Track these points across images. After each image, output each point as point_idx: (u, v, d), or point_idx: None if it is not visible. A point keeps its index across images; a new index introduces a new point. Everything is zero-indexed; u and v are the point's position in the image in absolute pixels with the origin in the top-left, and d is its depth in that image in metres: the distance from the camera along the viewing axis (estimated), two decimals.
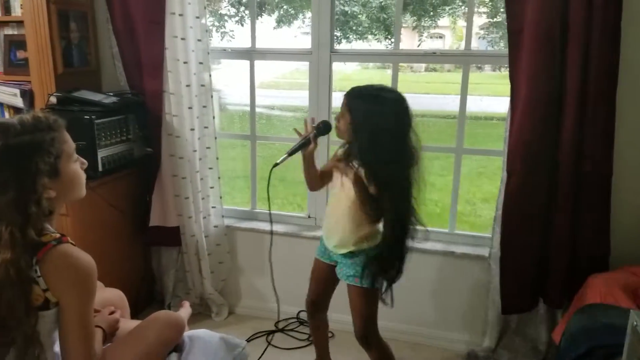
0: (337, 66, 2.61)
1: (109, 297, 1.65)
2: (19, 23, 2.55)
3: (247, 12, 6.45)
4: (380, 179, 1.74)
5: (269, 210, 2.08)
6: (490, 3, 7.32)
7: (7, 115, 2.67)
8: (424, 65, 9.55)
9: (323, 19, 2.48)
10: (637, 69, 2.08)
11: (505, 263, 2.27)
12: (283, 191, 5.70)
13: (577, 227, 2.17)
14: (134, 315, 1.77)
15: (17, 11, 2.54)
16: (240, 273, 2.85)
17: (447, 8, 8.21)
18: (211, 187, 2.69)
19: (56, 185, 1.23)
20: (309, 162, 1.99)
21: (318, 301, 2.14)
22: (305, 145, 1.93)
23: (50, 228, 1.24)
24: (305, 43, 2.59)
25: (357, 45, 8.14)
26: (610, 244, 2.17)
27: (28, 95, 2.57)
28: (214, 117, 2.63)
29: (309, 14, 2.54)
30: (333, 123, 1.94)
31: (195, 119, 2.54)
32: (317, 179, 2.04)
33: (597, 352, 1.60)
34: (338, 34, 8.09)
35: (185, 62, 2.45)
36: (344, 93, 1.83)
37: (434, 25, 8.56)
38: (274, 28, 8.02)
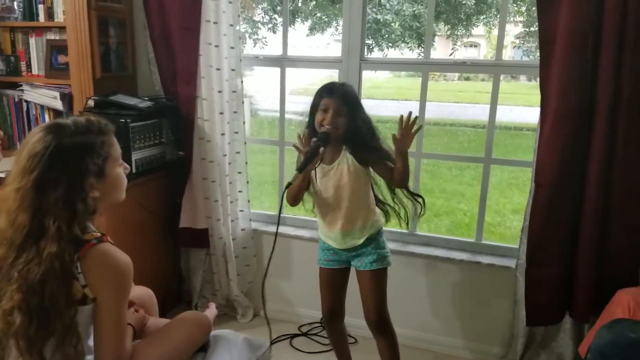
0: (368, 74, 2.63)
1: (139, 295, 1.70)
2: (61, 29, 2.65)
3: (280, 19, 6.55)
4: (382, 151, 1.95)
5: (277, 224, 2.02)
6: (526, 12, 7.24)
7: (47, 117, 2.78)
8: (457, 73, 9.49)
9: (354, 27, 2.51)
10: None
11: (531, 275, 2.25)
12: (308, 197, 5.71)
13: (606, 241, 2.13)
14: (161, 314, 1.82)
15: (59, 17, 2.64)
16: (266, 276, 2.88)
17: (481, 17, 8.15)
18: (240, 191, 2.74)
19: (100, 186, 1.29)
20: (307, 175, 1.95)
21: (336, 309, 2.15)
22: (313, 159, 1.87)
23: (92, 227, 1.30)
24: (338, 51, 2.62)
25: (390, 53, 8.15)
26: None
27: (67, 99, 2.66)
28: (244, 123, 2.69)
29: (342, 22, 2.57)
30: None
31: (226, 124, 2.60)
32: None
33: None
34: (370, 42, 8.11)
35: (218, 69, 2.51)
36: (324, 95, 1.93)
37: (468, 34, 8.50)
38: (307, 35, 8.11)
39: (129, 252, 1.32)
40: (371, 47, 8.06)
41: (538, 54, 2.13)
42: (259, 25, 7.06)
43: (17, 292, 1.18)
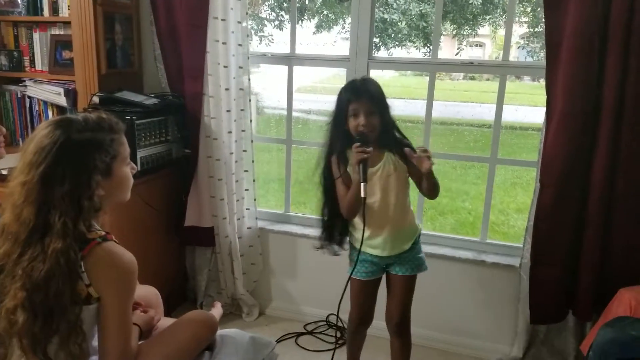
0: (375, 72, 2.62)
1: (144, 295, 1.69)
2: (66, 24, 2.64)
3: (286, 16, 6.53)
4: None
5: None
6: (531, 13, 7.21)
7: (50, 113, 2.77)
8: (462, 73, 9.47)
9: (362, 26, 2.50)
10: None
11: (535, 273, 2.27)
12: (317, 195, 5.70)
13: (609, 241, 2.16)
14: (166, 313, 1.81)
15: (64, 12, 2.63)
16: (271, 275, 2.88)
17: (487, 17, 8.12)
18: (246, 190, 2.73)
19: (107, 184, 1.28)
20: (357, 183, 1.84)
21: (368, 317, 2.11)
22: (367, 162, 1.80)
23: (97, 225, 1.29)
24: (344, 49, 2.60)
25: (396, 52, 8.12)
26: None
27: (72, 95, 2.65)
28: (251, 121, 2.68)
29: (349, 19, 2.56)
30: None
31: (232, 122, 2.59)
32: None
33: None
34: (377, 41, 8.09)
35: (225, 66, 2.50)
36: (351, 99, 1.86)
37: (474, 34, 8.47)
38: (314, 33, 8.08)
39: (134, 250, 1.31)
40: (377, 46, 8.04)
41: (542, 54, 2.13)
42: (265, 22, 7.03)
43: (21, 290, 1.17)
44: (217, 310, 1.73)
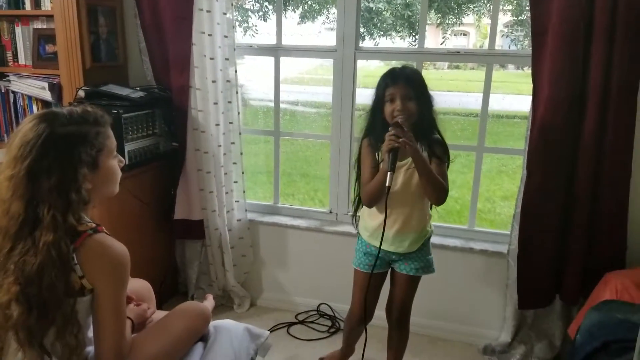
0: (360, 63, 2.62)
1: (137, 289, 1.69)
2: (49, 17, 2.62)
3: (271, 7, 6.48)
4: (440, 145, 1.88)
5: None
6: (515, 1, 7.24)
7: (35, 108, 2.75)
8: (447, 62, 9.49)
9: (349, 16, 2.49)
10: None
11: (523, 260, 2.30)
12: (305, 187, 5.75)
13: (595, 226, 2.19)
14: (158, 306, 1.82)
15: (47, 5, 2.60)
16: (262, 266, 2.89)
17: (472, 6, 8.14)
18: (235, 182, 2.73)
19: (93, 177, 1.28)
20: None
21: (369, 314, 2.10)
22: (397, 152, 1.74)
23: (86, 218, 1.29)
24: (329, 39, 2.60)
25: (382, 42, 8.11)
26: (626, 242, 2.20)
27: (57, 89, 2.63)
28: (238, 113, 2.67)
29: (333, 10, 2.56)
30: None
31: (220, 115, 2.59)
32: None
33: (612, 346, 1.62)
34: (362, 31, 8.05)
35: (211, 58, 2.48)
36: (388, 83, 1.82)
37: (458, 22, 8.48)
38: (298, 23, 8.04)
39: (124, 244, 1.32)
40: (363, 35, 8.02)
41: (526, 43, 2.15)
42: (249, 13, 6.98)
43: (14, 284, 1.17)
44: (209, 302, 1.75)
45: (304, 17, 8.04)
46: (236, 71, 2.61)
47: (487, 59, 2.44)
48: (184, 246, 2.88)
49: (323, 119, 7.41)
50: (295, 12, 7.81)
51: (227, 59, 2.57)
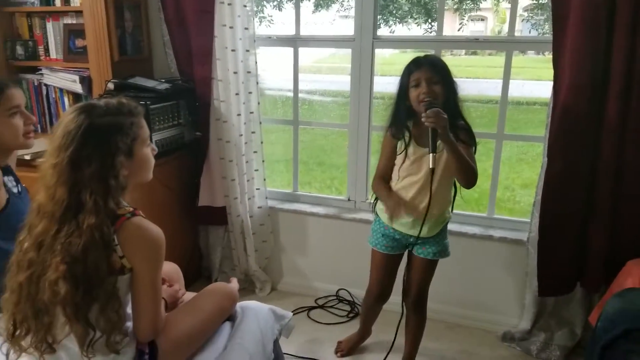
0: (377, 51, 2.65)
1: (167, 270, 1.77)
2: (78, 13, 2.70)
3: None
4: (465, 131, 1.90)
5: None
6: None
7: (66, 100, 2.85)
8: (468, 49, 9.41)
9: (367, 5, 2.53)
10: None
11: (543, 247, 2.30)
12: (321, 175, 5.81)
13: (617, 214, 2.18)
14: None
15: (76, 2, 2.70)
16: (282, 252, 2.97)
17: None
18: (256, 170, 2.80)
19: (129, 165, 1.36)
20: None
21: (386, 292, 2.17)
22: (437, 135, 1.74)
23: (124, 202, 1.37)
24: (343, 28, 2.63)
25: (397, 29, 8.10)
26: None
27: (87, 82, 2.73)
28: (258, 103, 2.74)
29: None
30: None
31: (241, 105, 2.65)
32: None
33: (633, 334, 1.62)
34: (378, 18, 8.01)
35: (233, 50, 2.55)
36: (412, 69, 1.86)
37: (476, 8, 8.40)
38: (312, 12, 8.06)
39: None
40: (378, 23, 7.98)
41: (547, 27, 2.15)
42: (264, 2, 7.03)
43: (62, 263, 1.25)
44: (234, 285, 1.83)
45: (318, 6, 8.07)
46: (256, 62, 2.68)
47: (507, 45, 2.44)
48: (208, 232, 2.98)
49: (340, 107, 7.44)
50: (310, 0, 7.84)
51: (247, 51, 2.63)
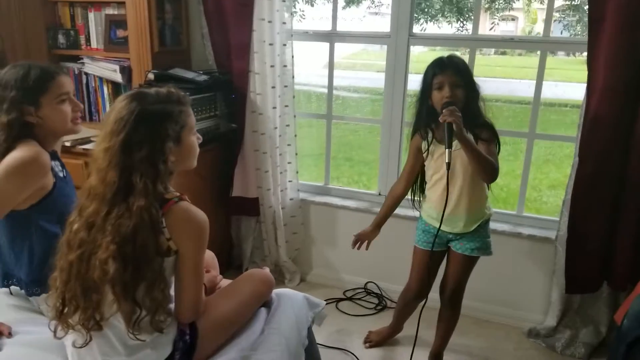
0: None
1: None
2: (119, 4, 2.77)
3: None
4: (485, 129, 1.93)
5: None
6: None
7: (105, 89, 2.94)
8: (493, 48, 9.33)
9: (403, 2, 2.55)
10: None
11: (572, 245, 2.33)
12: (349, 170, 5.85)
13: None
14: None
15: None
16: (312, 243, 3.02)
17: None
18: (289, 163, 2.86)
19: (177, 151, 1.41)
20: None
21: (425, 289, 2.20)
22: (452, 131, 1.78)
23: (171, 188, 1.43)
24: (372, 24, 2.66)
25: (428, 27, 8.06)
26: None
27: (127, 72, 2.80)
28: (293, 97, 2.79)
29: None
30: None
31: (277, 98, 2.70)
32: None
33: None
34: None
35: (270, 44, 2.60)
36: (436, 72, 1.89)
37: (509, 8, 8.32)
38: (343, 8, 8.08)
39: None
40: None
41: (578, 28, 2.15)
42: None
43: (112, 243, 1.30)
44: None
45: (349, 2, 8.08)
46: (293, 56, 2.72)
47: (542, 45, 2.46)
48: (240, 222, 3.04)
49: (368, 104, 7.45)
50: None
51: (284, 45, 2.67)
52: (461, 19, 7.58)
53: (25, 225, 1.68)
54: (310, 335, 1.80)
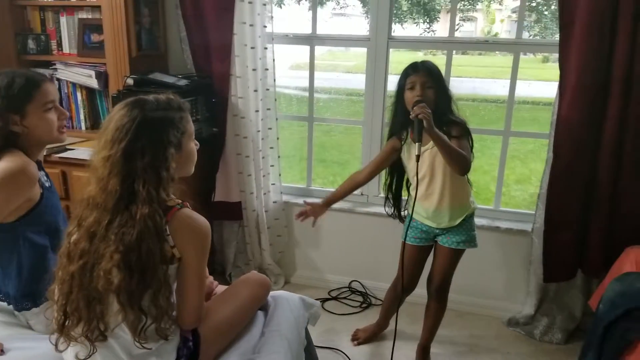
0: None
1: None
2: (93, 7, 2.72)
3: None
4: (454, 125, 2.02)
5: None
6: None
7: (79, 95, 2.87)
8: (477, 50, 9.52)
9: (382, 6, 2.60)
10: None
11: (548, 236, 2.44)
12: (323, 171, 5.88)
13: (617, 204, 2.33)
14: None
15: None
16: (295, 245, 3.04)
17: None
18: (271, 166, 2.86)
19: (178, 158, 1.41)
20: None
21: (413, 284, 2.29)
22: (422, 126, 1.86)
23: (173, 195, 1.42)
24: (337, 26, 2.70)
25: (396, 29, 8.21)
26: None
27: (103, 77, 2.75)
28: (275, 100, 2.79)
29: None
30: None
31: (259, 101, 2.71)
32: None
33: (634, 313, 1.75)
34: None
35: (252, 47, 2.60)
36: (409, 73, 2.00)
37: (473, 9, 8.53)
38: (308, 9, 8.12)
39: None
40: None
41: (537, 29, 2.24)
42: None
43: (116, 252, 1.29)
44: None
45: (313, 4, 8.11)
46: (274, 59, 2.73)
47: (514, 47, 2.55)
48: (222, 227, 3.03)
49: (351, 104, 7.50)
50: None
51: (265, 48, 2.68)
52: (427, 21, 7.74)
53: (13, 238, 1.63)
54: (307, 335, 1.83)
